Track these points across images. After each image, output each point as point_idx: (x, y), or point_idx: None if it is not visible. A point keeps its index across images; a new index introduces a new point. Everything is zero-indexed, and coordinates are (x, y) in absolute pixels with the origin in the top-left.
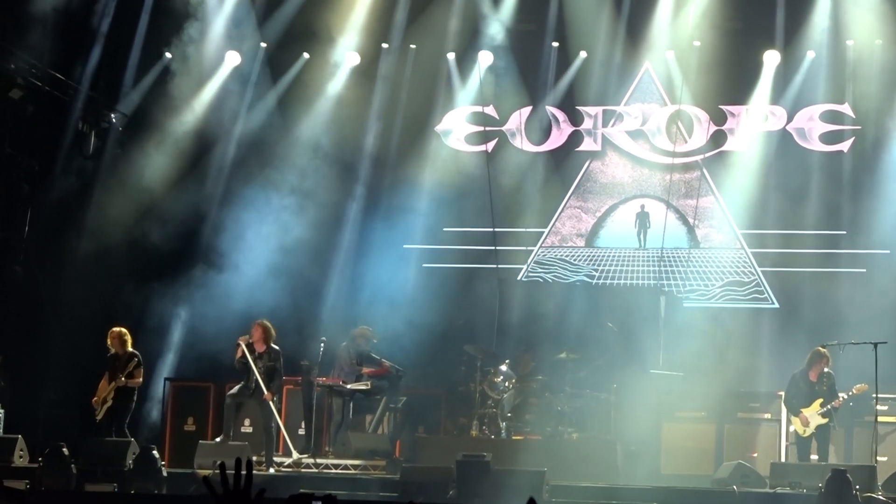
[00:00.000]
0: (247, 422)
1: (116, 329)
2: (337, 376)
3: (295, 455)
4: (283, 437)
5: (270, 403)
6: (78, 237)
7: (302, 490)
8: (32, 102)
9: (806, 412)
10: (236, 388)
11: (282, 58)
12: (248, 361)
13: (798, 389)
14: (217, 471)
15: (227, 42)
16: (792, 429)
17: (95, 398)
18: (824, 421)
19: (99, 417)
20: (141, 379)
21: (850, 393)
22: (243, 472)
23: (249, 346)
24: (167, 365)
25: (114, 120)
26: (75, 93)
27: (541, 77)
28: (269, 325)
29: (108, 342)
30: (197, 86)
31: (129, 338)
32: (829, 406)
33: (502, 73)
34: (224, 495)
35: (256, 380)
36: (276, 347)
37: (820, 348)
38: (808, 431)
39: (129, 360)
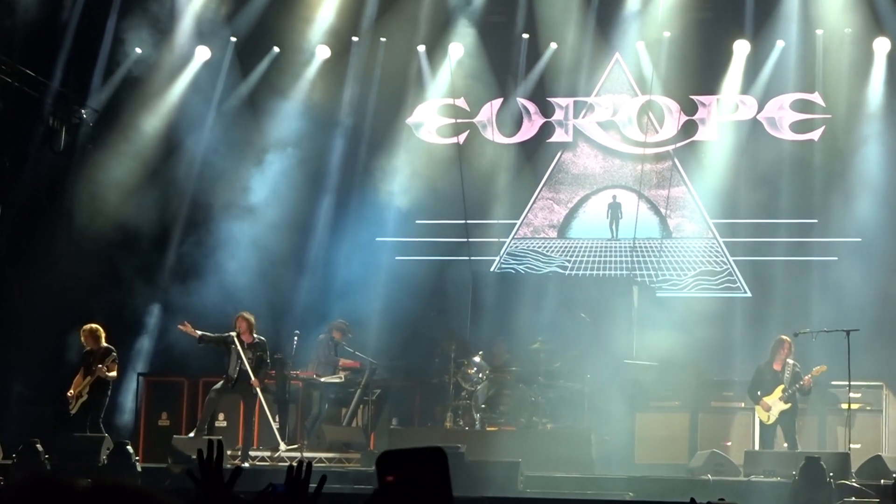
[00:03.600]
0: (220, 416)
1: (89, 326)
2: (312, 369)
3: (283, 446)
4: (273, 427)
5: (258, 391)
6: (49, 233)
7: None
8: (2, 99)
9: (767, 399)
10: (220, 383)
11: (252, 52)
12: (240, 353)
13: (762, 380)
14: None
15: (197, 37)
16: (758, 417)
17: (70, 392)
18: (786, 406)
19: (73, 412)
20: (115, 374)
21: (810, 376)
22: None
23: (238, 338)
24: (140, 360)
25: (84, 116)
26: (45, 89)
27: (511, 69)
28: (251, 316)
29: (82, 339)
30: (167, 81)
31: (102, 333)
32: (790, 391)
33: (473, 65)
34: (203, 480)
35: (241, 371)
36: (262, 338)
37: (782, 336)
38: (772, 418)
39: (105, 354)
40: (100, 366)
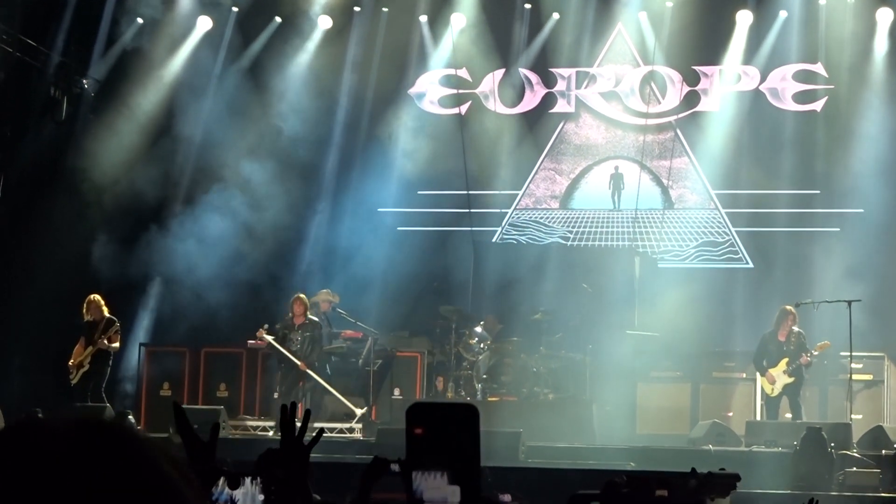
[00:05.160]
0: (222, 386)
1: (92, 296)
2: None
3: (358, 412)
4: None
5: (311, 373)
6: (50, 203)
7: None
8: (3, 69)
9: (772, 371)
10: (279, 376)
11: (254, 22)
12: (277, 347)
13: (767, 350)
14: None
15: (199, 7)
16: (761, 388)
17: (71, 361)
18: (791, 380)
19: (74, 382)
20: (118, 344)
21: (814, 352)
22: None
23: (288, 323)
24: (142, 330)
25: (86, 86)
26: (47, 59)
27: (514, 39)
28: (306, 298)
29: (85, 309)
30: (169, 51)
31: (104, 304)
32: (795, 364)
33: (475, 35)
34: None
35: (293, 353)
36: (315, 318)
37: (786, 306)
38: (776, 391)
39: (108, 324)
40: (103, 337)
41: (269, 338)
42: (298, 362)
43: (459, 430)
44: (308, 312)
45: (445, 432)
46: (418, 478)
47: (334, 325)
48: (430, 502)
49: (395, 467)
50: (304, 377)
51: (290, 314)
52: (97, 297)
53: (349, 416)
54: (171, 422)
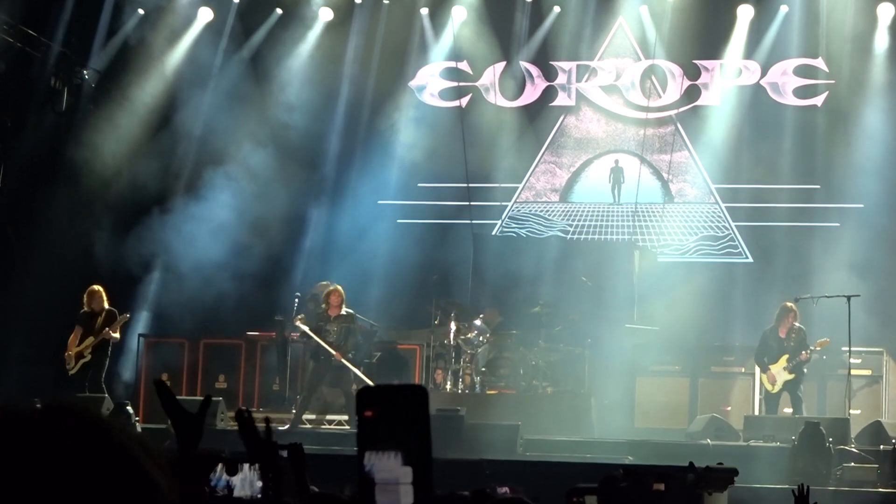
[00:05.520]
0: (221, 377)
1: (96, 287)
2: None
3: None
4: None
5: (346, 363)
6: (50, 193)
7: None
8: (4, 59)
9: (773, 368)
10: (312, 368)
11: (254, 13)
12: (314, 337)
13: (768, 346)
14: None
15: None
16: (759, 383)
17: (68, 352)
18: (791, 376)
19: (74, 371)
20: (119, 335)
21: (813, 348)
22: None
23: (323, 315)
24: (141, 321)
25: (87, 76)
26: (48, 49)
27: (515, 32)
28: (342, 290)
29: (86, 299)
30: (170, 42)
31: (104, 295)
32: (794, 361)
33: (476, 28)
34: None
35: (326, 349)
36: (350, 310)
37: (787, 303)
38: (777, 388)
39: (110, 315)
40: (107, 328)
41: (305, 327)
42: (334, 353)
43: (409, 412)
44: (343, 305)
45: (396, 414)
46: (371, 458)
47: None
48: (382, 482)
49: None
50: (342, 369)
51: (325, 305)
52: (99, 287)
53: (348, 408)
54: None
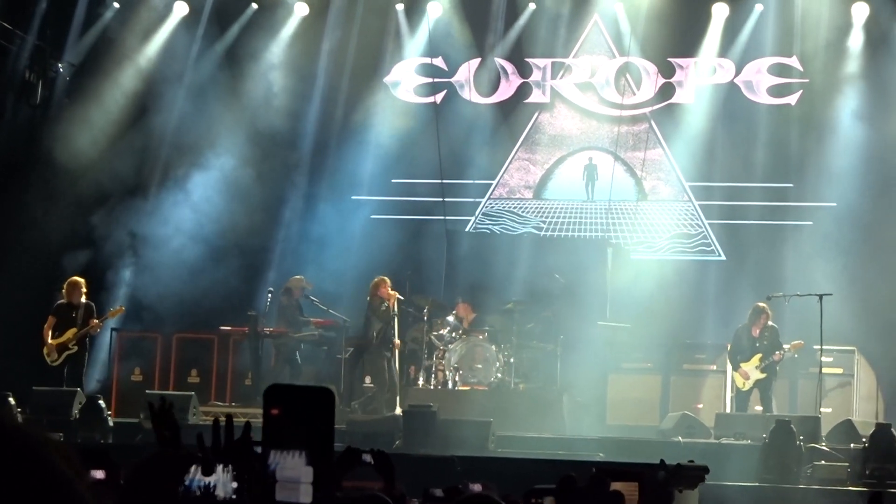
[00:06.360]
0: (193, 372)
1: (74, 279)
2: (282, 327)
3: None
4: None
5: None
6: (24, 186)
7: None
8: None
9: (745, 366)
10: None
11: (230, 8)
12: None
13: (740, 344)
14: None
15: None
16: (731, 381)
17: (49, 343)
18: (763, 375)
19: (57, 363)
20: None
21: (787, 349)
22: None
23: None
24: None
25: (61, 70)
26: (22, 42)
27: (490, 29)
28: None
29: (66, 290)
30: (145, 35)
31: (84, 288)
32: (767, 361)
33: (451, 24)
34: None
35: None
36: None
37: (760, 303)
38: (748, 385)
39: (90, 310)
40: (91, 320)
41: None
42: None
43: (315, 413)
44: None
45: (302, 414)
46: (276, 456)
47: (305, 312)
48: (284, 481)
49: (367, 458)
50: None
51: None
52: (81, 280)
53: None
54: (142, 407)
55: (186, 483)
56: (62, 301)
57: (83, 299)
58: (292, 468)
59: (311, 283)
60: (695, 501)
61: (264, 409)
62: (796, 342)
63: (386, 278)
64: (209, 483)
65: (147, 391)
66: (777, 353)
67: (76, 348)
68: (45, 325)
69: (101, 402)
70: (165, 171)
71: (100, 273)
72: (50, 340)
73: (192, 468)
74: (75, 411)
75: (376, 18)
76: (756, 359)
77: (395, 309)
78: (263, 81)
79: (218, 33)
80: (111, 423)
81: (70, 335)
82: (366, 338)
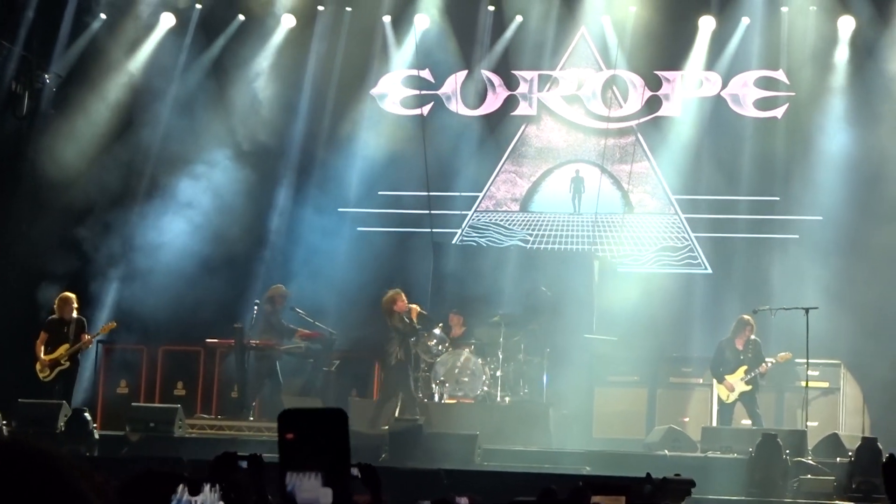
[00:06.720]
0: (179, 384)
1: (69, 295)
2: (267, 338)
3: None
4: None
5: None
6: (10, 198)
7: (226, 451)
8: None
9: (730, 379)
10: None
11: (217, 20)
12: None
13: (724, 357)
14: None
15: (162, 4)
16: (716, 394)
17: (41, 358)
18: (748, 388)
19: (49, 378)
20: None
21: (774, 360)
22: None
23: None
24: (99, 328)
25: (48, 81)
26: (8, 53)
27: (477, 41)
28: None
29: (57, 306)
30: (132, 47)
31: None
32: (753, 373)
33: (438, 36)
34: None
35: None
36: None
37: (744, 316)
38: (732, 397)
39: (81, 325)
40: (87, 336)
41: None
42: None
43: (329, 434)
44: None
45: (316, 436)
46: (292, 479)
47: (292, 324)
48: (303, 502)
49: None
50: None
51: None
52: (72, 295)
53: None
54: (127, 420)
55: (174, 502)
56: (54, 316)
57: (74, 314)
58: (310, 490)
59: (289, 292)
60: None
61: (279, 434)
62: (783, 354)
63: (400, 291)
64: (196, 502)
65: (133, 404)
66: (763, 365)
67: (68, 364)
68: (38, 341)
69: (86, 414)
70: (152, 182)
71: (86, 285)
72: (42, 356)
73: (180, 487)
74: (61, 424)
75: (363, 30)
76: (741, 371)
77: (417, 322)
78: (250, 93)
79: (205, 44)
80: (97, 436)
81: (62, 351)
82: (389, 354)
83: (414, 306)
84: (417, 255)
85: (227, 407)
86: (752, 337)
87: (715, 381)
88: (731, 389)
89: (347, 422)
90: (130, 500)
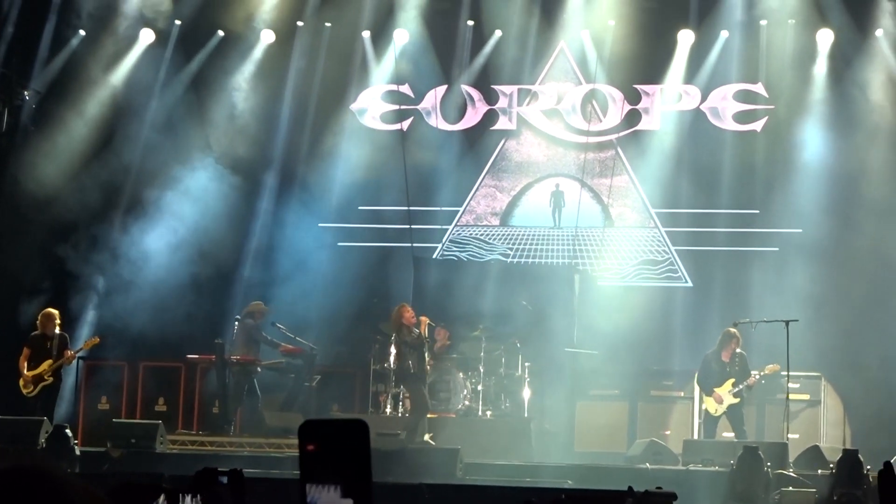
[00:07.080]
0: (160, 400)
1: (52, 311)
2: (247, 353)
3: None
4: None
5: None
6: None
7: (207, 466)
8: None
9: (719, 391)
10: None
11: (197, 35)
12: (426, 339)
13: (710, 370)
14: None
15: (141, 20)
16: (704, 407)
17: (25, 374)
18: (736, 401)
19: (33, 394)
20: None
21: (762, 373)
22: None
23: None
24: (80, 343)
25: (27, 97)
26: None
27: (456, 56)
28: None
29: (40, 322)
30: (111, 63)
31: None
32: (741, 386)
33: (417, 51)
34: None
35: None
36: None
37: (730, 329)
38: (721, 410)
39: (63, 341)
40: (70, 352)
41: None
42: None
43: (350, 446)
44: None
45: (337, 448)
46: (312, 491)
47: (274, 338)
48: None
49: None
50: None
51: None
52: (55, 311)
53: (287, 430)
54: (109, 436)
55: None
56: (36, 332)
57: (57, 330)
58: (331, 501)
59: (268, 308)
60: None
61: (300, 446)
62: (771, 366)
63: (406, 304)
64: None
65: (114, 420)
66: (752, 378)
67: (51, 379)
68: (21, 357)
69: (67, 431)
70: (133, 198)
71: (65, 301)
72: (26, 372)
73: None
74: (42, 440)
75: (342, 45)
76: (729, 383)
77: (427, 334)
78: (229, 108)
79: (184, 60)
80: (78, 452)
81: (46, 367)
82: (402, 369)
83: (423, 318)
84: (398, 270)
85: (209, 422)
86: (738, 350)
87: (703, 394)
88: (720, 402)
89: (369, 433)
90: None
